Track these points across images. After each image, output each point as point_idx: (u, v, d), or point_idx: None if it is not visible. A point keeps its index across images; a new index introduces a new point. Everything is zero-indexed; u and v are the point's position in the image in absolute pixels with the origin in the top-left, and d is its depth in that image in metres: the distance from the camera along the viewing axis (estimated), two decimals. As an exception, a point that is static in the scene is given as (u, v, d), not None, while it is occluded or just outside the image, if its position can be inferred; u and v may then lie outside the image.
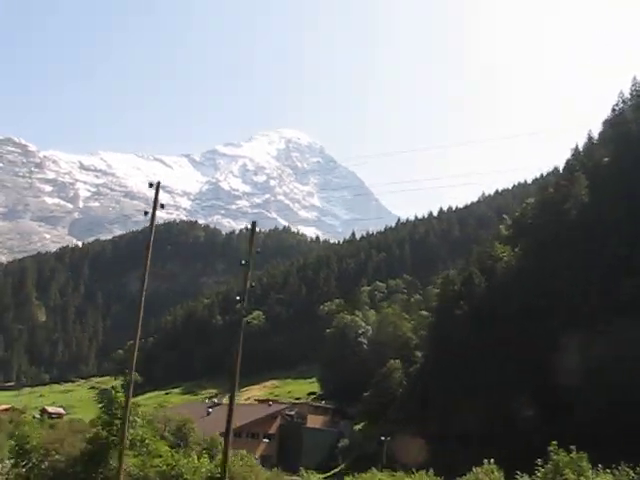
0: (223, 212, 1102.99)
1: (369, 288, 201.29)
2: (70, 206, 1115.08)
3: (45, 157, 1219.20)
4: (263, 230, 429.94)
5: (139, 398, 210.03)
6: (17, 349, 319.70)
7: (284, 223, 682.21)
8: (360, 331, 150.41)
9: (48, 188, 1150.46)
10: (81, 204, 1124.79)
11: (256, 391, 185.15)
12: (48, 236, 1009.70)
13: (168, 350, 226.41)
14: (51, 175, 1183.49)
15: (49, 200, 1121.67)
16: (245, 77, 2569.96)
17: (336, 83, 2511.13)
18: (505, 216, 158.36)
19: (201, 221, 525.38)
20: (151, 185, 36.71)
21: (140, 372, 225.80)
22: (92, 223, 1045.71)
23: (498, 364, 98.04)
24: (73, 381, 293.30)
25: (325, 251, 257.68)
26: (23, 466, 38.69)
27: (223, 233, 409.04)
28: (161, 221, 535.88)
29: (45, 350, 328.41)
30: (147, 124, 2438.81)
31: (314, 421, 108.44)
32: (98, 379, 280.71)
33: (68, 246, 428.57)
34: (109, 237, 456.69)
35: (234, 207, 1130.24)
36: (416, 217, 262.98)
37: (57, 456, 36.65)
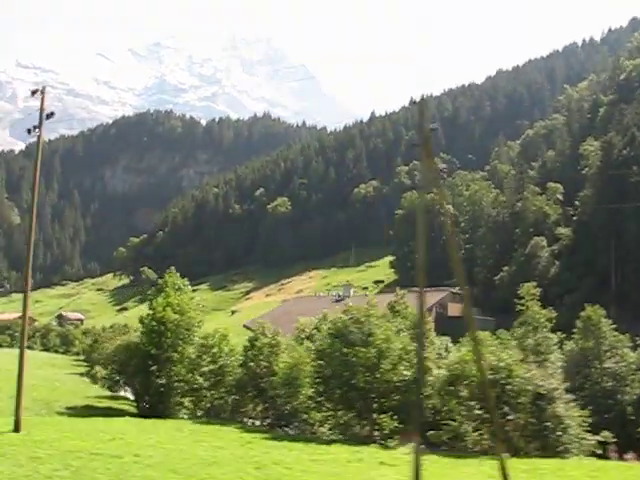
0: (171, 106, 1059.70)
1: (407, 168, 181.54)
2: (9, 106, 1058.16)
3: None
4: (241, 118, 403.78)
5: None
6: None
7: (234, 115, 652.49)
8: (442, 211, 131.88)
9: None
10: (21, 104, 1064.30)
11: (300, 284, 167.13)
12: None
13: (183, 244, 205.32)
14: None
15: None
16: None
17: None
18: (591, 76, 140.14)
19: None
20: (34, 93, 29.02)
21: (154, 270, 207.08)
22: (34, 123, 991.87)
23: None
24: (62, 284, 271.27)
25: (341, 134, 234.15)
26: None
27: (202, 122, 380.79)
28: (109, 120, 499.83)
29: (24, 253, 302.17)
30: (87, 15, 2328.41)
31: (454, 310, 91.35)
32: (93, 280, 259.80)
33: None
34: (53, 137, 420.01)
35: (181, 101, 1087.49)
36: (443, 91, 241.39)
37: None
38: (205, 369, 36.79)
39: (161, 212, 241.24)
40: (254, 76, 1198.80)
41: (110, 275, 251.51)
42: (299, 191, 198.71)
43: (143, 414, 34.90)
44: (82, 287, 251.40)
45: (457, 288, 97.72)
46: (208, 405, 38.59)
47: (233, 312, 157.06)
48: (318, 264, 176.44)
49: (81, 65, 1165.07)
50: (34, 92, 27.97)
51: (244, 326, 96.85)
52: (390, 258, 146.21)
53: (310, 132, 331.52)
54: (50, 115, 28.93)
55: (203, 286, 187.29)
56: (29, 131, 29.29)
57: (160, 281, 39.39)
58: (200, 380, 36.36)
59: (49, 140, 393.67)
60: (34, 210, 29.16)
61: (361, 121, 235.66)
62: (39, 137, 29.09)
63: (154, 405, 36.00)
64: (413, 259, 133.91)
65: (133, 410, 38.44)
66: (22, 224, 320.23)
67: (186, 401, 37.49)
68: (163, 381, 35.15)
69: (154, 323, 35.13)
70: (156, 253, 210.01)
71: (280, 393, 34.64)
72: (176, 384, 35.84)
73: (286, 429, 35.01)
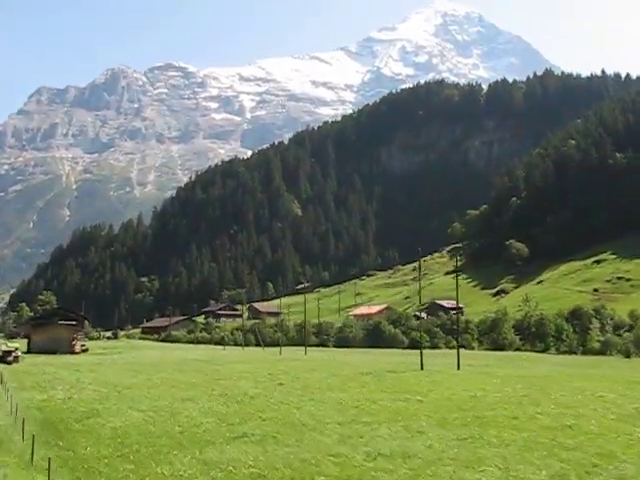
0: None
1: None
2: (238, 119, 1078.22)
3: (205, 75, 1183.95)
4: (519, 79, 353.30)
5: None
6: (286, 248, 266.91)
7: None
8: None
9: (214, 105, 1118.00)
10: (248, 115, 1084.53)
11: None
12: (222, 151, 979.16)
13: (546, 210, 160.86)
14: (214, 92, 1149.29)
15: (217, 116, 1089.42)
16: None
17: None
18: None
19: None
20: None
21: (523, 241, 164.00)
22: (262, 132, 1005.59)
23: None
24: (369, 275, 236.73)
25: None
26: None
27: (483, 87, 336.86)
28: (328, 119, 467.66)
29: (314, 246, 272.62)
30: (294, 22, 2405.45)
31: None
32: (413, 265, 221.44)
33: (306, 128, 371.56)
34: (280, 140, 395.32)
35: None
36: None
37: None
38: None
39: (499, 178, 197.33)
40: (469, 57, 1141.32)
41: (432, 256, 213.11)
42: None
43: None
44: (401, 274, 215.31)
45: None
46: None
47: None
48: None
49: (298, 70, 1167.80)
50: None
51: None
52: None
53: (615, 82, 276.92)
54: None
55: (605, 255, 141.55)
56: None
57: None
58: None
59: (318, 127, 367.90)
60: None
61: None
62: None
63: None
64: None
65: None
66: (305, 215, 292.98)
67: None
68: None
69: None
70: (510, 224, 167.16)
71: None
72: None
73: None
